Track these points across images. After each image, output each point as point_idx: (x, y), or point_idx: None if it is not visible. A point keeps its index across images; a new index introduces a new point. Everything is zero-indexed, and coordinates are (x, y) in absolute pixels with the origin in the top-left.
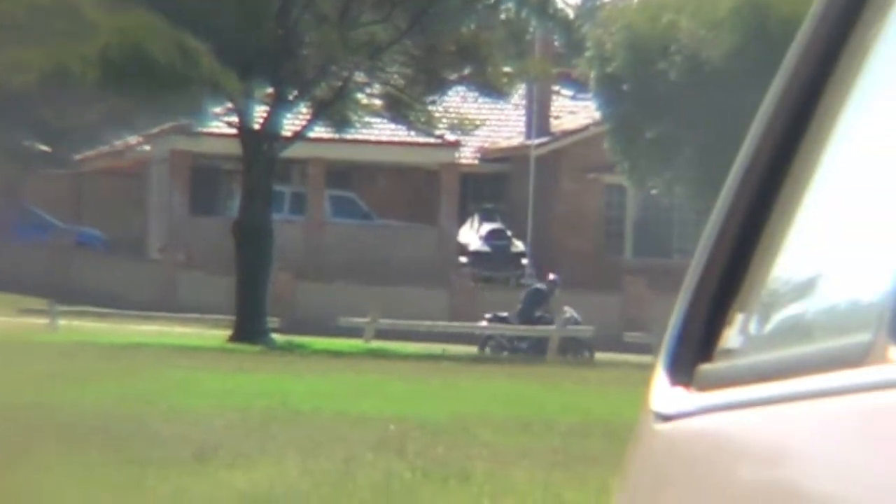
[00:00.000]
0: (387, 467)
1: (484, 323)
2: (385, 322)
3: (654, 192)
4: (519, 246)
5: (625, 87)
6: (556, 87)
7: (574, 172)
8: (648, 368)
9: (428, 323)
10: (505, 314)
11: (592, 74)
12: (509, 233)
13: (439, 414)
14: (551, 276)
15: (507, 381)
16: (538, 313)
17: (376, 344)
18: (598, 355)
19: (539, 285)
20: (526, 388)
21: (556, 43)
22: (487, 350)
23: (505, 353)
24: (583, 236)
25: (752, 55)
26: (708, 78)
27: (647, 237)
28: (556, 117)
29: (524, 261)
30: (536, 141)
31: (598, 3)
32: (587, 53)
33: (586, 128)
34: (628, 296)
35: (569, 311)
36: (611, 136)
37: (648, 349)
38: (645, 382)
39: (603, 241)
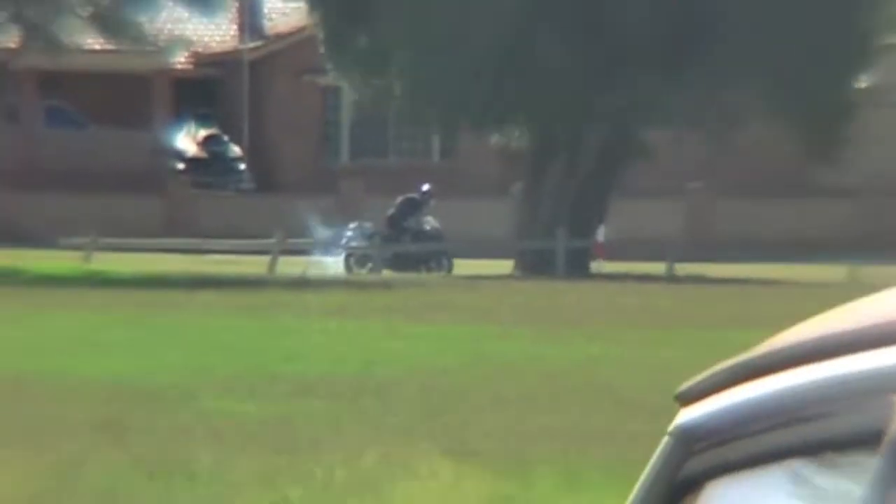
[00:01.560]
0: (106, 462)
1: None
2: (107, 241)
3: (370, 101)
4: (236, 151)
5: None
6: None
7: (289, 75)
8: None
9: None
10: (368, 224)
11: None
12: (226, 138)
13: (162, 370)
14: (425, 187)
15: (242, 319)
16: (407, 224)
17: (97, 265)
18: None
19: (412, 195)
20: (253, 325)
21: None
22: (353, 266)
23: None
24: (299, 139)
25: None
26: None
27: (363, 136)
28: (270, 19)
29: (242, 166)
30: (250, 45)
31: None
32: None
33: (300, 30)
34: (346, 199)
35: (431, 223)
36: (324, 43)
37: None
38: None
39: (319, 143)
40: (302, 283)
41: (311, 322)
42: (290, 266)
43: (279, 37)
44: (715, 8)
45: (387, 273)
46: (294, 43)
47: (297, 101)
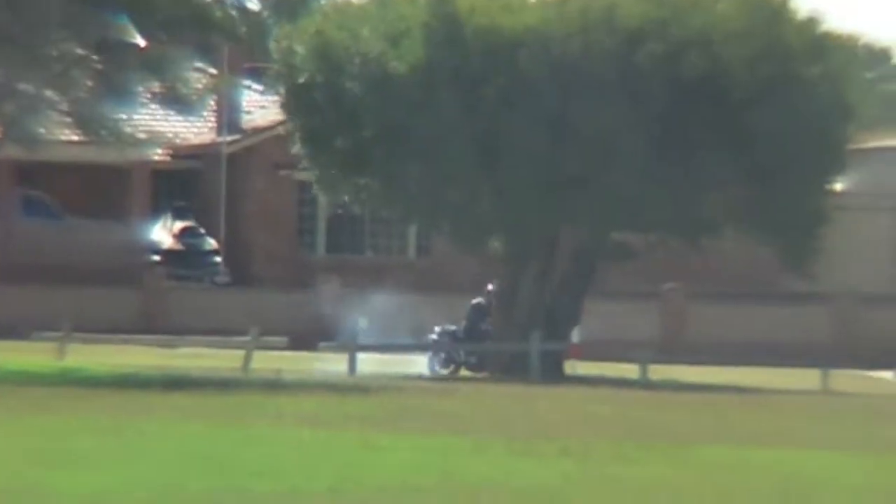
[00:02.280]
0: None
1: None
2: (79, 335)
3: (345, 199)
4: (212, 244)
5: (313, 96)
6: (246, 82)
7: (266, 169)
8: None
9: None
10: (453, 328)
11: (281, 84)
12: (202, 230)
13: (137, 486)
14: (490, 287)
15: (214, 426)
16: (484, 327)
17: (70, 361)
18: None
19: (478, 299)
20: (226, 434)
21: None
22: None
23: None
24: (275, 233)
25: (441, 68)
26: (393, 90)
27: (340, 232)
28: (248, 112)
29: (217, 258)
30: (228, 138)
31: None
32: (275, 65)
33: (277, 125)
34: (321, 294)
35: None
36: (302, 145)
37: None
38: None
39: (295, 237)
40: (275, 386)
41: (284, 430)
42: (264, 362)
43: (256, 131)
44: (693, 115)
45: (467, 373)
46: (271, 137)
47: (273, 195)
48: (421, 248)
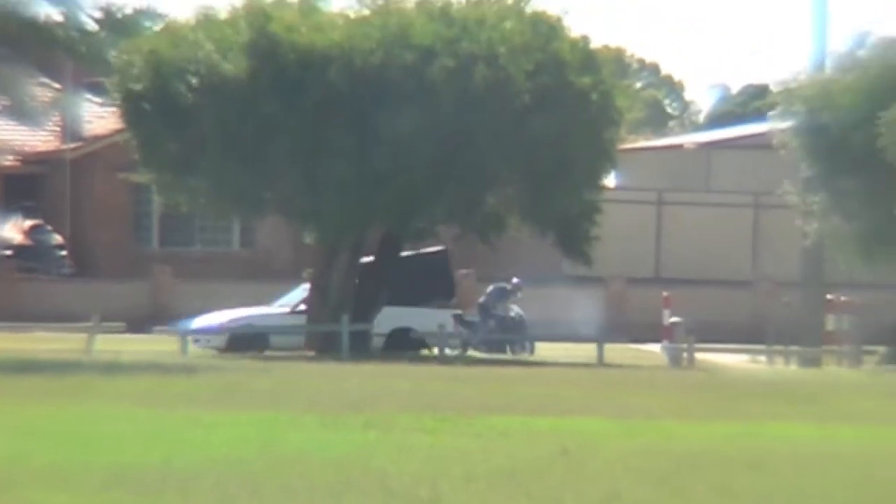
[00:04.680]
0: None
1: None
2: None
3: (180, 201)
4: (58, 239)
5: (147, 106)
6: (87, 95)
7: (105, 173)
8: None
9: None
10: (460, 312)
11: (118, 96)
12: (49, 227)
13: None
14: (515, 280)
15: (59, 405)
16: (495, 311)
17: None
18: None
19: (504, 284)
20: (69, 412)
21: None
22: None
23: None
24: (114, 229)
25: (262, 79)
26: (220, 100)
27: (172, 227)
28: (89, 121)
29: (63, 252)
30: (71, 145)
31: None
32: (113, 79)
33: (115, 133)
34: (156, 283)
35: (516, 310)
36: (138, 150)
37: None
38: None
39: (132, 232)
40: (113, 368)
41: (121, 409)
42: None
43: (97, 138)
44: (481, 121)
45: (476, 354)
46: (109, 143)
47: (112, 195)
48: (245, 240)
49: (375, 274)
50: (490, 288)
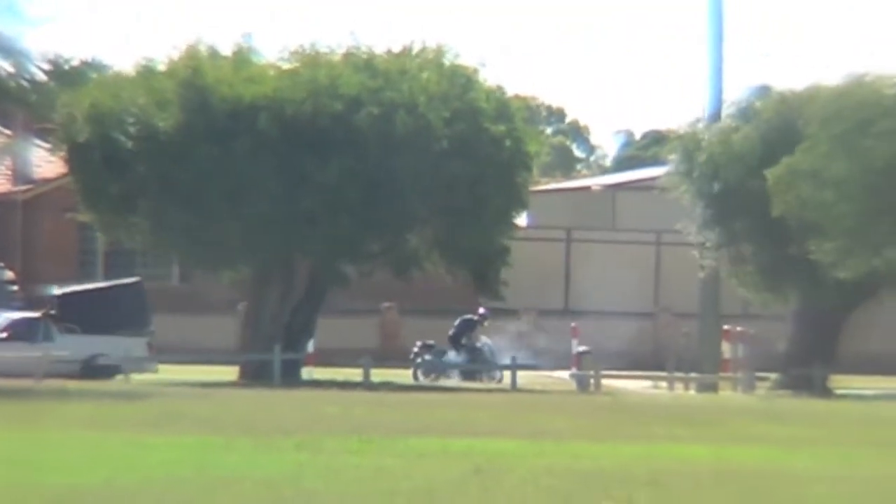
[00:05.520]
0: None
1: None
2: None
3: (121, 239)
4: (10, 275)
5: (90, 153)
6: (37, 141)
7: (54, 212)
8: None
9: None
10: (432, 342)
11: (63, 146)
12: (1, 264)
13: None
14: (481, 310)
15: (10, 430)
16: (464, 341)
17: None
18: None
19: (471, 316)
20: (20, 437)
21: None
22: (420, 376)
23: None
24: (62, 265)
25: (196, 128)
26: (157, 146)
27: (116, 263)
28: (39, 166)
29: (14, 287)
30: (22, 188)
31: (66, 66)
32: (58, 130)
33: (62, 176)
34: None
35: (484, 341)
36: (80, 193)
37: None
38: None
39: (79, 268)
40: (62, 393)
41: (68, 433)
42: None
43: (46, 181)
44: (402, 165)
45: (451, 381)
46: (57, 186)
47: (60, 233)
48: (183, 275)
49: (306, 308)
50: (458, 320)
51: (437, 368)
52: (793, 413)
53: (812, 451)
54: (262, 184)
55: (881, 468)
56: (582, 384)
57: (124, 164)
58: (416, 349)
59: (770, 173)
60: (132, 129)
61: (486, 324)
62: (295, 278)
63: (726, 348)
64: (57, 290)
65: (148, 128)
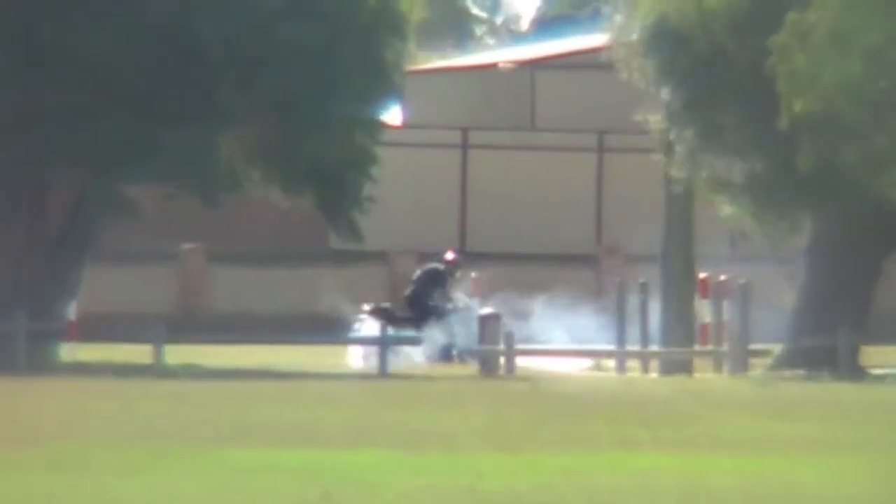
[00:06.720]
0: None
1: None
2: None
3: None
4: None
5: None
6: None
7: None
8: None
9: None
10: (387, 305)
11: None
12: None
13: None
14: (450, 255)
15: None
16: (433, 302)
17: None
18: None
19: (436, 265)
20: None
21: None
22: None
23: None
24: None
25: None
26: None
27: None
28: None
29: None
30: None
31: None
32: None
33: None
34: None
35: (462, 299)
36: None
37: None
38: None
39: None
40: None
41: None
42: None
43: None
44: (206, 36)
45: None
46: None
47: None
48: None
49: (64, 253)
50: (417, 273)
51: (441, 355)
52: (805, 404)
53: (835, 462)
54: None
55: None
56: (487, 365)
57: None
58: (362, 315)
59: (774, 42)
60: None
61: (458, 274)
62: (47, 209)
63: (703, 307)
64: None
65: None
